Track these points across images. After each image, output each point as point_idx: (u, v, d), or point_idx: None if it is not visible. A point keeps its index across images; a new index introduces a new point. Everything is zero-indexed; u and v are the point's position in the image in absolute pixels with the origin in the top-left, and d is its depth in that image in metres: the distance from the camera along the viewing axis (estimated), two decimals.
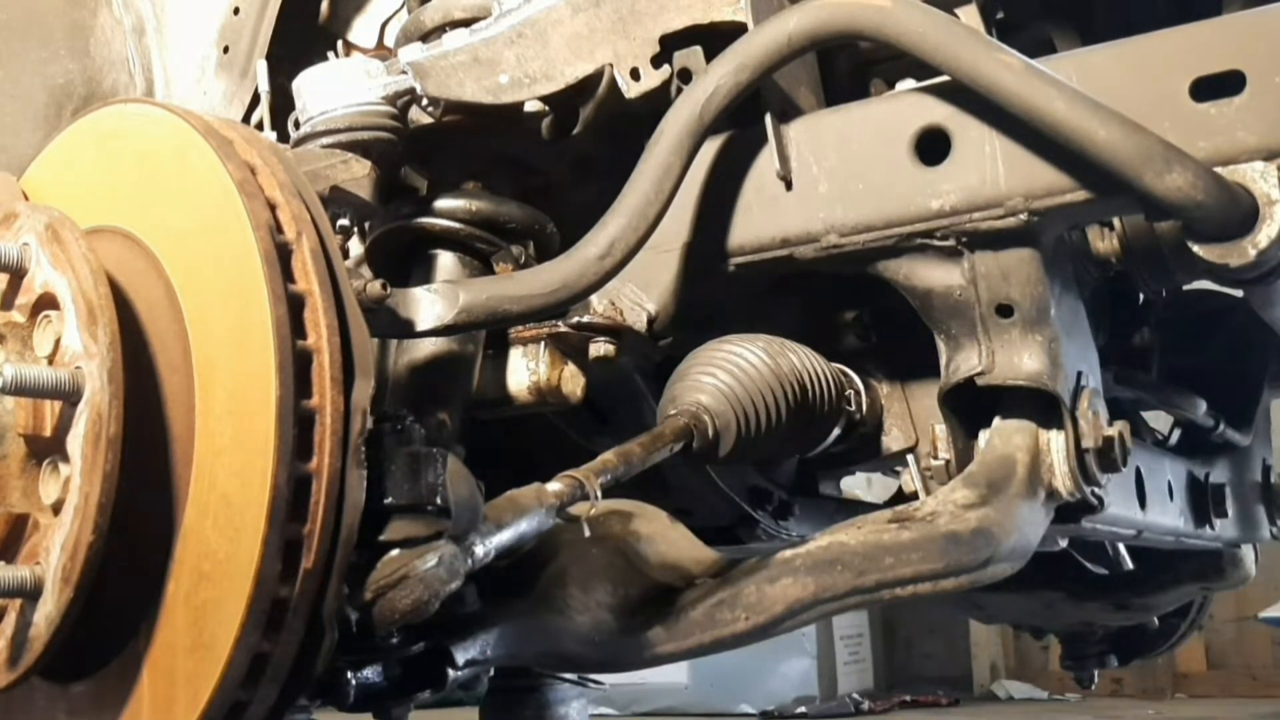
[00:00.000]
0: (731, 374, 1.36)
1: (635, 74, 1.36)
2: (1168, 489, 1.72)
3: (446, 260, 1.45)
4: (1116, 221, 1.52)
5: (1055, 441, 1.32)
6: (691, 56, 1.36)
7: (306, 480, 1.05)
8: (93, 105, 1.46)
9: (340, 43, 1.69)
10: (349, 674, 1.28)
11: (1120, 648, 2.20)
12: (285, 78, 1.44)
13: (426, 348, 1.41)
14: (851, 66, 1.60)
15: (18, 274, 1.13)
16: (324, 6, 1.70)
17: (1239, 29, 1.21)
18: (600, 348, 1.41)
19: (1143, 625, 2.13)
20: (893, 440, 1.50)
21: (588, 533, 1.34)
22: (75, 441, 1.05)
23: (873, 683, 6.28)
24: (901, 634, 6.85)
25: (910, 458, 1.51)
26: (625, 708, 5.82)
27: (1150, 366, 1.93)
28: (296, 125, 1.40)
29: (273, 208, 1.11)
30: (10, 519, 1.10)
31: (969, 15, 1.53)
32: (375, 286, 1.17)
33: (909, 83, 1.39)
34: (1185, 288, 1.85)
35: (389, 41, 1.65)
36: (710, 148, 1.38)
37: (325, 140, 1.35)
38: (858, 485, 3.34)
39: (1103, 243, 1.53)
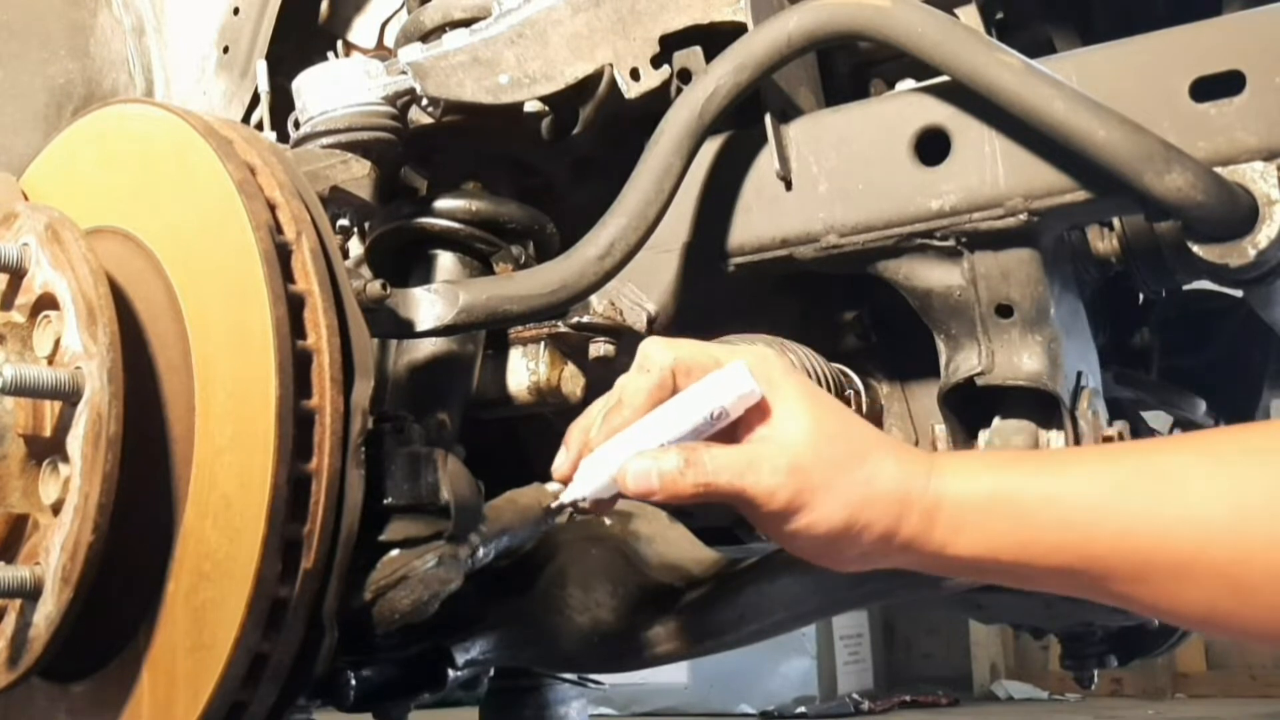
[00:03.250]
0: None
1: (635, 74, 1.36)
2: None
3: (446, 260, 1.45)
4: (1116, 221, 1.52)
5: (1055, 442, 1.31)
6: (691, 56, 1.36)
7: (306, 480, 1.05)
8: (93, 105, 1.46)
9: (340, 43, 1.69)
10: (349, 674, 1.28)
11: (1120, 648, 2.19)
12: (285, 78, 1.44)
13: (426, 348, 1.41)
14: (851, 66, 1.60)
15: (18, 274, 1.13)
16: (324, 6, 1.69)
17: (1239, 29, 1.21)
18: (600, 348, 1.41)
19: (1143, 625, 2.13)
20: None
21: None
22: (75, 441, 1.05)
23: (873, 683, 6.28)
24: (901, 634, 6.86)
25: None
26: (625, 708, 5.82)
27: (1150, 366, 1.93)
28: (296, 125, 1.40)
29: (273, 208, 1.11)
30: (10, 519, 1.10)
31: (969, 15, 1.53)
32: (375, 286, 1.17)
33: (909, 83, 1.39)
34: (1185, 288, 1.85)
35: (389, 41, 1.65)
36: (710, 148, 1.38)
37: (325, 140, 1.34)
38: None
39: (1103, 243, 1.53)
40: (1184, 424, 2.02)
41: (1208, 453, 0.88)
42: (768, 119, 1.34)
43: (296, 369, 1.06)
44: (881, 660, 6.48)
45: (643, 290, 1.41)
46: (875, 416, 1.51)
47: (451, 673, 1.38)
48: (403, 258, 1.47)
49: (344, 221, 1.33)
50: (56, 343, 1.09)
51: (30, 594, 1.06)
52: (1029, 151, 1.24)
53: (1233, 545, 0.82)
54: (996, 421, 1.34)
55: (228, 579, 1.04)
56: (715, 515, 1.77)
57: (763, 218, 1.37)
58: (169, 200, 1.16)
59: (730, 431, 0.92)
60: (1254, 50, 1.18)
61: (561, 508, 0.97)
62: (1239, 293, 1.82)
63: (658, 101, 1.35)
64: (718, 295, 1.47)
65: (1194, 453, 0.88)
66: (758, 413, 0.91)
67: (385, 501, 1.16)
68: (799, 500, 0.89)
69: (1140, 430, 1.90)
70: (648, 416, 0.92)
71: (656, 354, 0.94)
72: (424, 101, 1.39)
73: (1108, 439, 1.32)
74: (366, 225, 1.50)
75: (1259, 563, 0.82)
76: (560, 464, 0.98)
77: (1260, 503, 0.82)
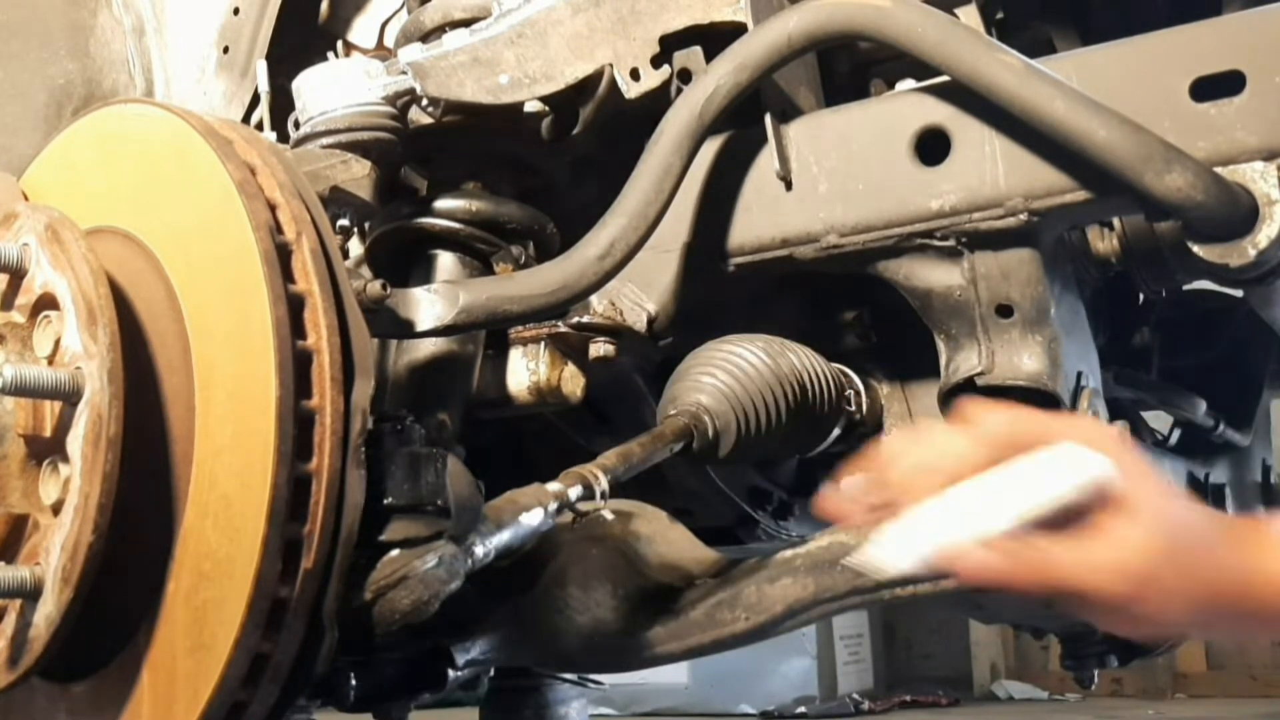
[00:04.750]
0: (731, 374, 1.36)
1: (635, 74, 1.36)
2: None
3: (446, 260, 1.45)
4: (1116, 221, 1.52)
5: None
6: (691, 56, 1.36)
7: (306, 480, 1.05)
8: (93, 105, 1.46)
9: (340, 43, 1.69)
10: (349, 674, 1.28)
11: (1120, 648, 2.19)
12: (285, 78, 1.44)
13: (426, 348, 1.41)
14: (851, 66, 1.60)
15: (18, 274, 1.14)
16: (324, 6, 1.69)
17: (1239, 29, 1.21)
18: (600, 348, 1.41)
19: None
20: None
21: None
22: (75, 442, 1.05)
23: (873, 683, 6.27)
24: (901, 634, 6.85)
25: None
26: (625, 708, 5.82)
27: (1150, 366, 1.93)
28: (296, 125, 1.40)
29: (273, 208, 1.12)
30: (10, 519, 1.10)
31: (969, 15, 1.53)
32: (375, 287, 1.17)
33: (909, 83, 1.39)
34: (1185, 288, 1.85)
35: (389, 41, 1.65)
36: (710, 148, 1.38)
37: (325, 140, 1.35)
38: None
39: (1103, 243, 1.53)
40: (1184, 424, 2.02)
41: None
42: (768, 119, 1.34)
43: (296, 369, 1.06)
44: (881, 660, 6.48)
45: (643, 290, 1.41)
46: (875, 416, 1.51)
47: (451, 673, 1.38)
48: (403, 258, 1.47)
49: (344, 221, 1.33)
50: (56, 343, 1.09)
51: (30, 594, 1.06)
52: (1029, 151, 1.24)
53: None
54: None
55: (228, 579, 1.04)
56: (716, 515, 1.77)
57: (763, 218, 1.37)
58: (169, 200, 1.16)
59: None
60: (1254, 50, 1.18)
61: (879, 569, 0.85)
62: (1239, 293, 1.83)
63: (658, 101, 1.34)
64: (718, 295, 1.47)
65: None
66: (1101, 498, 0.83)
67: (385, 501, 1.16)
68: (1141, 605, 0.83)
69: (1140, 430, 1.90)
70: (978, 487, 0.83)
71: (990, 420, 0.86)
72: (424, 101, 1.39)
73: None
74: (366, 225, 1.50)
75: None
76: (836, 501, 0.88)
77: None
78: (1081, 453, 0.82)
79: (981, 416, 0.86)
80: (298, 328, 1.07)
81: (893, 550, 0.83)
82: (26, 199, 1.27)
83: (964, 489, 0.82)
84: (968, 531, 0.81)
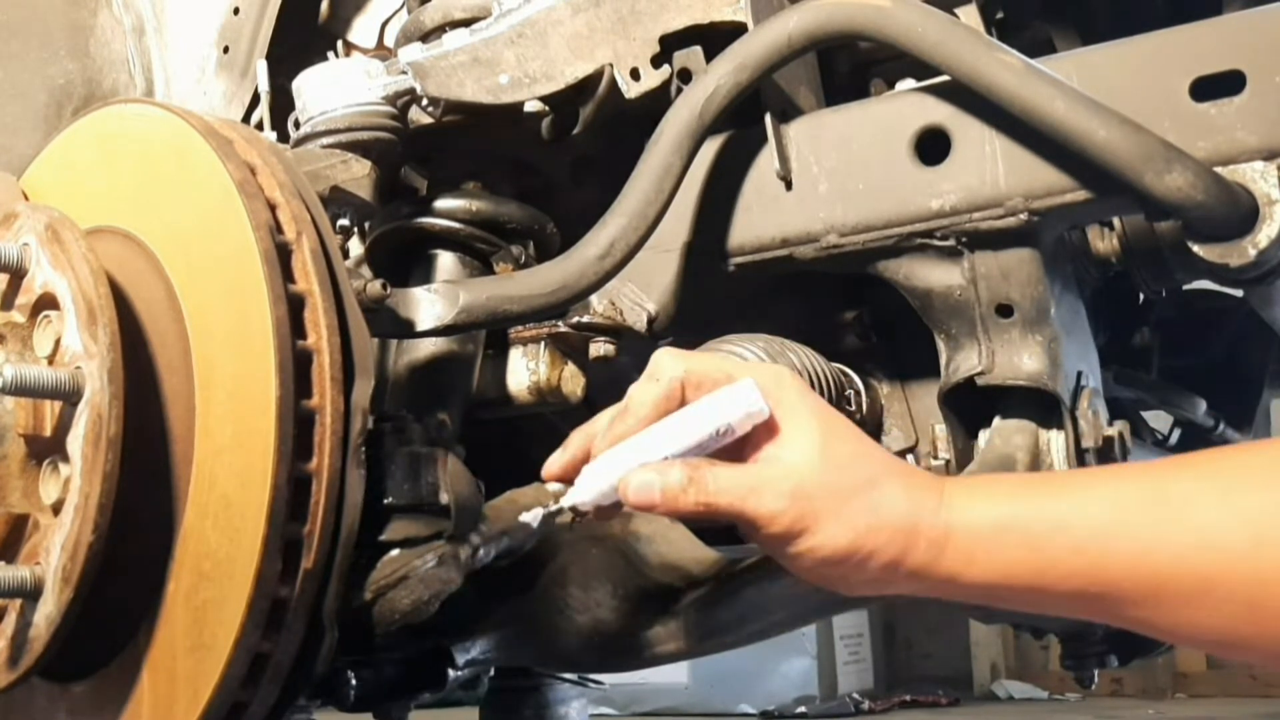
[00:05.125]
0: None
1: (635, 74, 1.36)
2: None
3: (446, 260, 1.45)
4: (1116, 221, 1.52)
5: (1055, 441, 1.32)
6: (691, 56, 1.36)
7: (306, 480, 1.06)
8: (93, 105, 1.46)
9: (340, 43, 1.69)
10: (349, 674, 1.28)
11: (1120, 648, 2.19)
12: (285, 78, 1.44)
13: (426, 348, 1.41)
14: (851, 66, 1.60)
15: (18, 274, 1.14)
16: (324, 6, 1.69)
17: (1239, 29, 1.21)
18: (600, 348, 1.41)
19: None
20: (893, 440, 1.50)
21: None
22: (75, 442, 1.05)
23: (873, 683, 6.27)
24: (901, 634, 6.86)
25: (910, 458, 1.51)
26: (625, 708, 5.82)
27: (1150, 366, 1.93)
28: (296, 125, 1.40)
29: (273, 208, 1.12)
30: (10, 519, 1.10)
31: (969, 15, 1.53)
32: (375, 286, 1.17)
33: (909, 83, 1.39)
34: (1185, 288, 1.85)
35: (389, 41, 1.65)
36: (710, 148, 1.38)
37: (325, 140, 1.35)
38: None
39: (1103, 243, 1.53)
40: (1184, 424, 2.03)
41: (1216, 475, 0.87)
42: (768, 119, 1.34)
43: (296, 369, 1.06)
44: (881, 660, 6.48)
45: (643, 290, 1.41)
46: (875, 416, 1.51)
47: (451, 673, 1.38)
48: (403, 258, 1.47)
49: (344, 221, 1.33)
50: (57, 343, 1.09)
51: (30, 594, 1.06)
52: (1029, 151, 1.24)
53: (1249, 570, 0.82)
54: (997, 421, 1.34)
55: (228, 579, 1.04)
56: None
57: (763, 217, 1.37)
58: (169, 200, 1.16)
59: (738, 448, 0.91)
60: (1254, 50, 1.18)
61: (560, 511, 0.96)
62: (1239, 293, 1.83)
63: (658, 101, 1.34)
64: (718, 295, 1.47)
65: (1202, 475, 0.87)
66: (766, 431, 0.90)
67: (385, 501, 1.16)
68: (800, 525, 0.88)
69: (1140, 430, 1.90)
70: (653, 427, 0.92)
71: (667, 364, 0.93)
72: (424, 101, 1.39)
73: (1108, 439, 1.32)
74: (367, 225, 1.50)
75: (1276, 586, 0.81)
76: (551, 463, 0.98)
77: (1273, 525, 0.81)
78: (745, 388, 0.90)
79: (663, 364, 0.93)
80: (298, 328, 1.07)
81: (580, 488, 0.94)
82: (26, 199, 1.27)
83: (650, 430, 0.92)
84: (638, 462, 0.91)
